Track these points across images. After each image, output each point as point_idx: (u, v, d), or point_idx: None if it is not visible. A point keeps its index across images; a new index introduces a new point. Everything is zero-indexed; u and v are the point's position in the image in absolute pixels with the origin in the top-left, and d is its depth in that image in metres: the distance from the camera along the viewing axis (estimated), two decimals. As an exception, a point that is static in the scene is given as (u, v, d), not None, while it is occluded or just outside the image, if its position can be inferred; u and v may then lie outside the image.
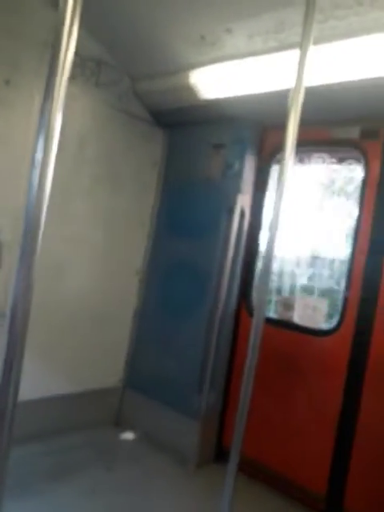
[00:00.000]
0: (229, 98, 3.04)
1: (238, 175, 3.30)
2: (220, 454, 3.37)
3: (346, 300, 2.96)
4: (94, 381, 3.63)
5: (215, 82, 2.99)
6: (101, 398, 3.69)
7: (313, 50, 1.69)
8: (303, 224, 3.44)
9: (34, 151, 1.06)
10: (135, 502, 2.75)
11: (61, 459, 3.10)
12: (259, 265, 3.43)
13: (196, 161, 3.58)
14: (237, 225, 3.29)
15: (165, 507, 2.76)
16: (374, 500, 2.72)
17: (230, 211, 3.30)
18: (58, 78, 1.06)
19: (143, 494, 2.85)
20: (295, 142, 1.70)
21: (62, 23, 1.06)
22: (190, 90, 3.12)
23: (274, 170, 3.34)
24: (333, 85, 2.54)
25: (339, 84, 2.52)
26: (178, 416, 3.38)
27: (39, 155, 1.06)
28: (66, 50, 1.07)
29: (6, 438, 1.10)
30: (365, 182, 2.94)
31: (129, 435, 3.60)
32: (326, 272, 3.40)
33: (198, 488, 3.04)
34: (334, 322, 3.05)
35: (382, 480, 2.70)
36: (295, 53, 1.72)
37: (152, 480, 3.04)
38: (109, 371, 3.76)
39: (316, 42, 1.74)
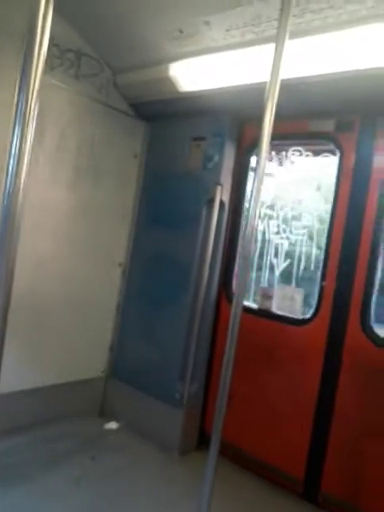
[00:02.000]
0: (207, 90, 3.04)
1: (218, 167, 3.31)
2: (202, 441, 3.40)
3: (321, 289, 2.99)
4: (77, 372, 3.63)
5: (194, 74, 2.98)
6: (84, 389, 3.69)
7: (289, 43, 1.70)
8: (281, 214, 3.47)
9: (11, 142, 1.04)
10: (120, 490, 2.77)
11: (46, 450, 3.09)
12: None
13: (176, 153, 3.57)
14: (217, 216, 3.31)
15: (149, 494, 2.78)
16: (349, 483, 2.79)
17: (210, 202, 3.32)
18: (33, 68, 1.05)
19: (128, 482, 2.87)
20: (271, 135, 1.71)
21: (36, 11, 1.04)
22: (169, 83, 3.11)
23: (253, 162, 3.35)
24: (308, 78, 2.56)
25: (314, 77, 2.54)
26: (160, 405, 3.40)
27: (15, 145, 1.04)
28: (41, 39, 1.05)
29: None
30: (339, 173, 2.97)
31: (113, 425, 3.60)
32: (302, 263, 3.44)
33: (181, 475, 3.07)
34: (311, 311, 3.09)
35: (357, 464, 2.76)
36: (272, 46, 1.72)
37: (136, 468, 3.06)
38: (92, 362, 3.76)
39: (292, 36, 1.75)
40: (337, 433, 2.85)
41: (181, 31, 2.69)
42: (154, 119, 3.74)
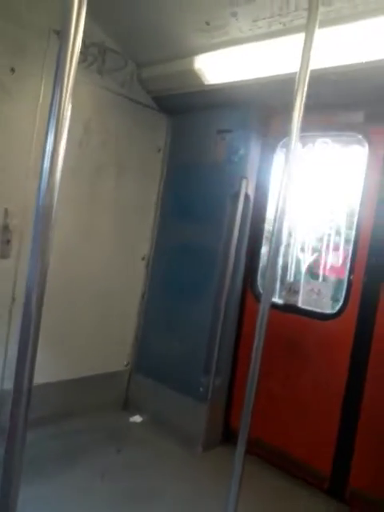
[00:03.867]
0: (234, 82, 3.02)
1: (243, 160, 3.30)
2: (227, 436, 3.43)
3: (350, 283, 2.97)
4: (102, 365, 3.68)
5: (220, 66, 2.97)
6: (109, 382, 3.75)
7: (318, 32, 1.68)
8: (309, 208, 3.44)
9: (45, 140, 1.06)
10: (144, 484, 2.81)
11: (71, 442, 3.15)
12: (264, 249, 3.44)
13: (200, 146, 3.57)
14: (241, 209, 3.30)
15: (173, 489, 2.81)
16: (377, 479, 2.77)
17: (235, 196, 3.31)
18: (66, 67, 1.06)
19: (152, 476, 2.90)
20: (300, 127, 1.70)
21: (70, 10, 1.05)
22: (194, 76, 3.10)
23: (279, 155, 3.33)
24: (338, 68, 2.52)
25: (344, 67, 2.50)
26: (185, 399, 3.43)
27: (50, 144, 1.06)
28: (75, 37, 1.06)
29: (22, 422, 1.13)
30: (369, 166, 2.94)
31: (137, 418, 3.65)
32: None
33: (205, 470, 3.09)
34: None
35: (384, 459, 2.75)
36: (300, 36, 1.70)
37: (160, 462, 3.09)
38: (117, 355, 3.82)
39: (321, 25, 1.72)
40: (365, 427, 2.84)
41: (207, 23, 2.68)
42: (178, 113, 3.74)
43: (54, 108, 1.05)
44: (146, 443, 3.32)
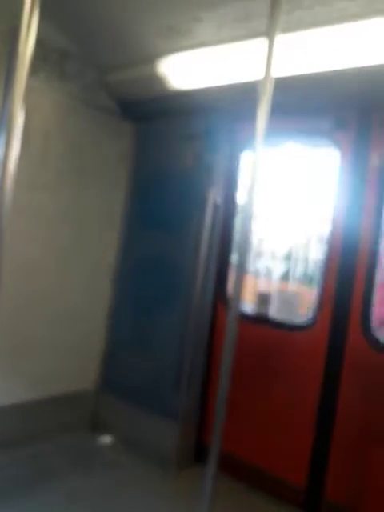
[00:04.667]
0: (199, 88, 3.04)
1: (210, 167, 3.32)
2: (201, 453, 3.38)
3: (321, 294, 3.00)
4: (67, 384, 3.59)
5: (185, 71, 2.98)
6: (75, 402, 3.66)
7: (280, 39, 1.71)
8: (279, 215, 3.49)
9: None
10: (115, 508, 2.74)
11: (38, 465, 3.07)
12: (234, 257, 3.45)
13: (167, 153, 3.57)
14: (210, 217, 3.31)
15: (145, 510, 2.76)
16: (352, 491, 2.79)
17: (203, 203, 3.32)
18: (18, 73, 1.04)
19: (124, 500, 2.84)
20: (265, 132, 1.72)
21: (21, 12, 1.03)
22: (159, 80, 3.11)
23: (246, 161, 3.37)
24: (302, 75, 2.57)
25: (308, 74, 2.55)
26: (155, 417, 3.38)
27: (1, 151, 1.04)
28: (26, 40, 1.04)
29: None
30: (338, 171, 3.00)
31: (106, 439, 3.58)
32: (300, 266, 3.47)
33: (179, 490, 3.04)
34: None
35: (360, 471, 2.77)
36: (264, 42, 1.73)
37: (132, 484, 3.03)
38: (83, 373, 3.74)
39: (284, 31, 1.76)
40: (339, 440, 2.85)
41: (171, 27, 2.70)
42: (144, 119, 3.73)
43: (4, 115, 1.03)
44: (116, 465, 3.25)
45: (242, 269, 1.77)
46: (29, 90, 1.08)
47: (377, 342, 2.76)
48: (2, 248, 1.06)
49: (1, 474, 2.87)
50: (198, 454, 3.42)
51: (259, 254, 3.54)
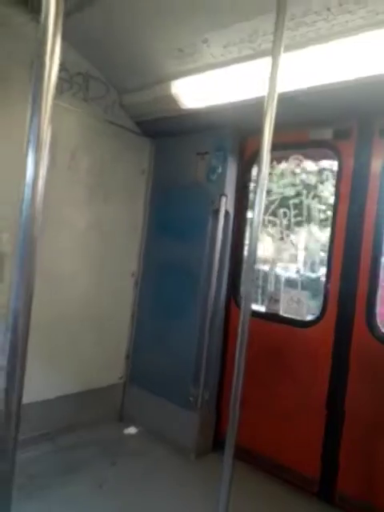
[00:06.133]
0: (208, 107, 3.05)
1: (221, 179, 3.32)
2: (218, 444, 3.37)
3: (327, 291, 2.97)
4: (96, 380, 3.63)
5: (195, 91, 3.00)
6: (104, 396, 3.69)
7: (285, 56, 1.71)
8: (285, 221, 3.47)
9: (25, 166, 1.05)
10: (141, 494, 2.75)
11: (69, 456, 3.10)
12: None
13: (182, 167, 3.59)
14: (222, 225, 3.32)
15: (169, 497, 2.76)
16: (364, 481, 2.74)
17: (216, 212, 3.33)
18: (44, 93, 1.05)
19: (148, 486, 2.85)
20: (271, 146, 1.71)
21: (45, 37, 1.04)
22: (171, 101, 3.13)
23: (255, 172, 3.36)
24: (305, 89, 2.55)
25: (311, 88, 2.53)
26: (176, 409, 3.39)
27: (30, 170, 1.05)
28: (50, 64, 1.05)
29: (12, 439, 1.10)
30: (339, 179, 2.97)
31: (132, 430, 3.60)
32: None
33: (198, 477, 3.04)
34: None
35: (371, 460, 2.72)
36: (269, 60, 1.72)
37: (156, 472, 3.04)
38: (110, 370, 3.77)
39: (288, 49, 1.75)
40: (349, 431, 2.81)
41: (181, 50, 2.71)
42: (160, 136, 3.77)
43: (32, 135, 1.04)
44: (141, 453, 3.27)
45: (251, 272, 1.76)
46: (55, 111, 1.08)
47: (383, 334, 2.72)
48: (34, 259, 1.06)
49: (37, 465, 2.91)
50: (215, 444, 3.41)
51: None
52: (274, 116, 1.70)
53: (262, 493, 2.91)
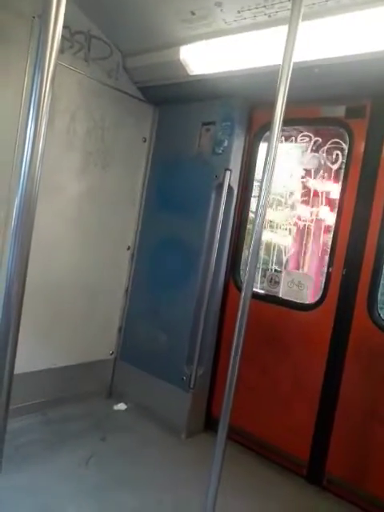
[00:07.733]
0: (218, 74, 2.99)
1: (227, 152, 3.27)
2: (209, 424, 3.44)
3: (328, 275, 2.98)
4: (86, 354, 3.66)
5: (204, 57, 2.93)
6: (94, 370, 3.73)
7: (302, 25, 1.66)
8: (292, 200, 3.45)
9: (24, 126, 1.03)
10: (129, 471, 2.80)
11: (57, 429, 3.15)
12: (247, 240, 3.44)
13: (185, 137, 3.53)
14: (225, 201, 3.28)
15: (157, 474, 2.82)
16: (352, 465, 2.82)
17: (219, 187, 3.29)
18: (47, 52, 1.02)
19: (136, 463, 2.90)
20: (282, 120, 1.68)
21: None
22: (179, 66, 3.06)
23: (262, 147, 3.32)
24: (321, 61, 2.50)
25: (327, 60, 2.48)
26: (168, 387, 3.43)
27: (30, 130, 1.03)
28: (55, 22, 1.02)
29: (3, 409, 1.11)
30: (349, 159, 2.94)
31: (121, 406, 3.64)
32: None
33: (188, 456, 3.09)
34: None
35: (360, 446, 2.79)
36: (285, 28, 1.68)
37: (145, 449, 3.09)
38: (101, 344, 3.79)
39: (305, 18, 1.70)
40: (342, 416, 2.87)
41: (193, 13, 2.63)
42: (164, 103, 3.69)
43: (34, 94, 1.01)
44: (130, 430, 3.32)
45: (256, 251, 1.75)
46: (56, 72, 1.05)
47: (382, 321, 2.75)
48: (30, 227, 1.05)
49: (25, 436, 2.96)
50: (207, 424, 3.47)
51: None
52: (287, 87, 1.66)
53: (251, 473, 2.98)
